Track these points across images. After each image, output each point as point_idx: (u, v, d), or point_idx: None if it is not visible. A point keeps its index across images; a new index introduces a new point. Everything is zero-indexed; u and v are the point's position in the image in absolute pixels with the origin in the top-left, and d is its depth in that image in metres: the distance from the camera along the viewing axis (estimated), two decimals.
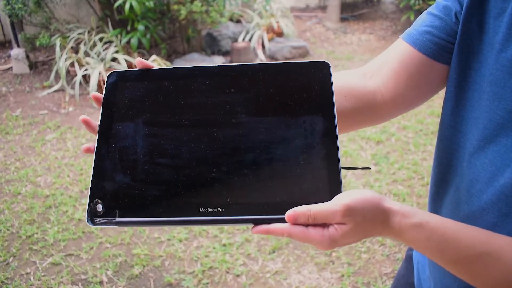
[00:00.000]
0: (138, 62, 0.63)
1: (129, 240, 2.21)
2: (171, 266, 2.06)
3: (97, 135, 0.60)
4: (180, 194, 0.55)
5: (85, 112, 3.65)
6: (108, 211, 0.55)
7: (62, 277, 2.01)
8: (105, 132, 0.59)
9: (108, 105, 0.61)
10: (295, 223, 0.52)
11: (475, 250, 0.53)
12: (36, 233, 2.29)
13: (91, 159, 2.96)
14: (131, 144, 0.58)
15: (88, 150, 0.60)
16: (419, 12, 5.11)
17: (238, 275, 1.99)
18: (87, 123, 0.60)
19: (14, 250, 2.17)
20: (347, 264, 2.03)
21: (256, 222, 0.53)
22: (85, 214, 0.56)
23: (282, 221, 0.53)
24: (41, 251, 2.17)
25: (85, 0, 4.52)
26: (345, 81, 0.71)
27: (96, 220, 0.55)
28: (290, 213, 0.52)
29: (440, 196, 0.73)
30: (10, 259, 2.12)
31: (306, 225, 0.52)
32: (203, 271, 2.01)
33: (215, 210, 0.54)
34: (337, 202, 0.51)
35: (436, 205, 0.75)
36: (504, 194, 0.57)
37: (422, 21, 0.69)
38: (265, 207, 0.54)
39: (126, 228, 2.27)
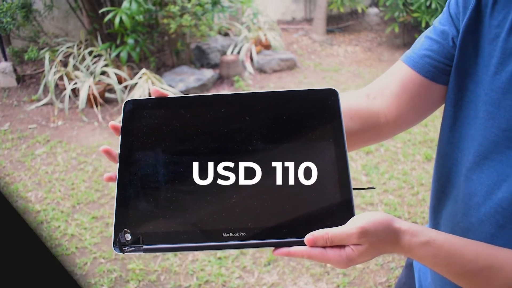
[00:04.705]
0: (154, 90, 0.65)
1: (124, 255, 2.20)
2: (167, 280, 2.05)
3: (118, 164, 0.62)
4: (203, 220, 0.58)
5: (74, 126, 3.63)
6: (135, 239, 0.57)
7: None
8: (126, 161, 0.61)
9: (127, 134, 0.63)
10: (314, 246, 0.56)
11: (478, 263, 0.57)
12: None
13: (82, 173, 2.95)
14: (152, 172, 0.60)
15: (110, 179, 0.61)
16: (403, 24, 5.22)
17: None
18: (108, 153, 0.62)
19: None
20: (342, 274, 2.05)
21: (277, 245, 0.57)
22: (112, 242, 0.58)
23: (301, 243, 0.56)
24: None
25: (73, 14, 4.52)
26: (350, 103, 0.75)
27: (124, 248, 0.57)
28: (309, 237, 0.56)
29: (440, 208, 0.77)
30: None
31: (324, 246, 0.56)
32: (199, 284, 2.01)
33: (237, 234, 0.57)
34: (353, 226, 0.55)
35: (436, 217, 0.79)
36: (501, 207, 0.61)
37: (421, 45, 0.73)
38: (284, 231, 0.57)
39: None
